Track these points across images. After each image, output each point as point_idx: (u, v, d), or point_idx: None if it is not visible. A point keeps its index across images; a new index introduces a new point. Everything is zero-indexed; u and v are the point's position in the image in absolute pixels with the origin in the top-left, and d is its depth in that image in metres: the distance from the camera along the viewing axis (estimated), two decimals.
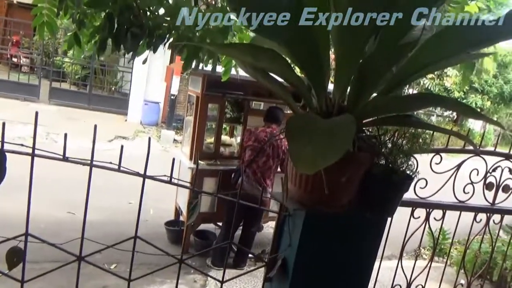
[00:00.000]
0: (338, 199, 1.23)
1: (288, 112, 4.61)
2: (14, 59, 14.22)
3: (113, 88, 13.57)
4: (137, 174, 1.12)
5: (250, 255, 4.44)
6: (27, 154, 1.00)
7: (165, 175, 1.18)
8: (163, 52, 3.96)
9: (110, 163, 1.08)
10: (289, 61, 1.34)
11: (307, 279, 1.23)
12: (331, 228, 1.25)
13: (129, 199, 5.56)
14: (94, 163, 1.09)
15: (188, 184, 1.32)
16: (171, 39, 2.80)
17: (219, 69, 3.41)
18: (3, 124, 1.06)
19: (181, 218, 4.87)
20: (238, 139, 5.20)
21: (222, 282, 1.21)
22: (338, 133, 1.07)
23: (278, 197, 1.29)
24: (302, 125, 1.14)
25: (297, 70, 1.72)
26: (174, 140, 10.67)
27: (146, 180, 1.15)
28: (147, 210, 5.23)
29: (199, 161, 4.37)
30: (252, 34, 2.78)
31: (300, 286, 1.23)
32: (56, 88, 12.15)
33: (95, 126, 1.12)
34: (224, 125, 5.02)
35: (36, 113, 1.05)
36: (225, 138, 5.09)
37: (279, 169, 4.23)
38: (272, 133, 4.14)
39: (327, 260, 1.26)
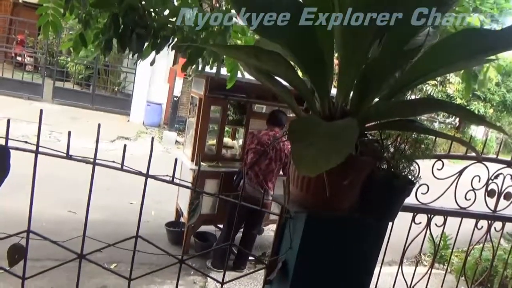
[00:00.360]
0: (340, 202, 1.23)
1: (291, 115, 4.62)
2: (19, 58, 14.29)
3: (116, 89, 13.61)
4: (140, 173, 1.12)
5: (250, 258, 4.44)
6: (31, 151, 1.01)
7: (167, 175, 1.19)
8: (167, 54, 3.97)
9: (113, 162, 1.09)
10: (293, 64, 1.35)
11: (307, 282, 1.23)
12: (332, 231, 1.24)
13: (130, 199, 5.56)
14: (97, 161, 1.10)
15: (189, 185, 1.32)
16: (175, 41, 2.81)
17: (224, 71, 3.42)
18: (8, 121, 1.06)
19: (182, 220, 4.87)
20: (240, 141, 5.21)
21: (222, 283, 1.21)
22: (340, 136, 1.08)
23: (280, 200, 1.29)
24: (305, 128, 1.14)
25: (301, 73, 1.72)
26: (176, 141, 10.69)
27: (148, 180, 1.15)
28: (148, 211, 5.24)
29: (201, 163, 4.37)
30: (256, 37, 2.79)
31: None
32: (60, 87, 12.18)
33: (99, 125, 1.12)
34: (226, 128, 5.03)
35: (41, 111, 1.06)
36: (227, 140, 5.10)
37: (281, 173, 4.23)
38: (275, 136, 4.14)
39: (327, 263, 1.25)
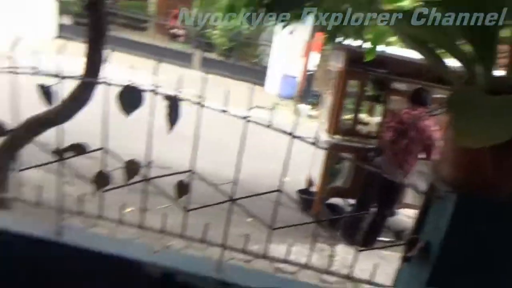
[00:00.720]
0: (502, 185, 1.10)
1: (436, 96, 4.23)
2: (173, 30, 16.07)
3: (254, 61, 14.34)
4: (286, 132, 1.18)
5: (379, 238, 4.30)
6: (196, 103, 1.14)
7: (310, 137, 1.22)
8: (304, 27, 3.97)
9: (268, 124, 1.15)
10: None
11: (452, 267, 1.14)
12: (489, 217, 1.12)
13: (266, 163, 5.84)
14: (248, 119, 1.19)
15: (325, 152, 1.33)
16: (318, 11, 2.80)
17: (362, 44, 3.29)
18: (179, 78, 1.21)
19: (313, 189, 4.94)
20: (377, 118, 4.99)
21: (360, 250, 1.22)
22: (509, 112, 0.95)
23: (428, 177, 1.21)
24: (467, 99, 1.04)
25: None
26: (309, 115, 10.77)
27: (283, 147, 1.20)
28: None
29: (335, 136, 4.32)
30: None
31: (444, 273, 1.14)
32: (206, 57, 13.39)
33: (252, 89, 1.20)
34: (363, 103, 4.86)
35: (205, 78, 1.18)
36: (363, 116, 4.93)
37: (421, 156, 3.94)
38: (417, 116, 3.86)
39: (479, 252, 1.14)
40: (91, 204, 1.43)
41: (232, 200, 1.19)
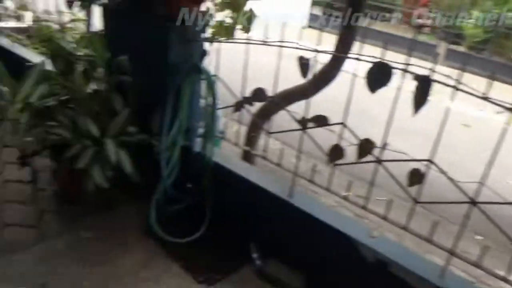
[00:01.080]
0: None
1: None
2: (419, 20, 14.99)
3: None
4: None
5: None
6: (451, 86, 1.03)
7: None
8: None
9: None
10: None
11: None
12: None
13: (508, 178, 4.92)
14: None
15: None
16: None
17: None
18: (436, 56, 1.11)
19: None
20: None
21: None
22: None
23: None
24: None
25: None
26: None
27: None
28: None
29: None
30: None
31: None
32: (453, 50, 12.02)
33: None
34: None
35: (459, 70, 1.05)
36: None
37: None
38: None
39: None
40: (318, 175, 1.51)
41: (474, 202, 1.03)
